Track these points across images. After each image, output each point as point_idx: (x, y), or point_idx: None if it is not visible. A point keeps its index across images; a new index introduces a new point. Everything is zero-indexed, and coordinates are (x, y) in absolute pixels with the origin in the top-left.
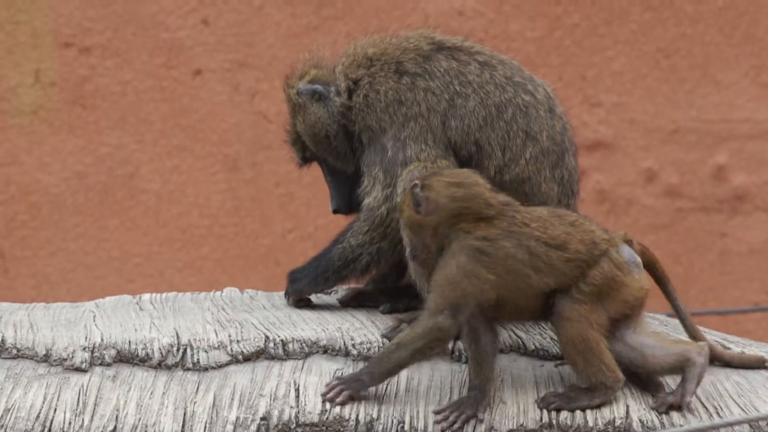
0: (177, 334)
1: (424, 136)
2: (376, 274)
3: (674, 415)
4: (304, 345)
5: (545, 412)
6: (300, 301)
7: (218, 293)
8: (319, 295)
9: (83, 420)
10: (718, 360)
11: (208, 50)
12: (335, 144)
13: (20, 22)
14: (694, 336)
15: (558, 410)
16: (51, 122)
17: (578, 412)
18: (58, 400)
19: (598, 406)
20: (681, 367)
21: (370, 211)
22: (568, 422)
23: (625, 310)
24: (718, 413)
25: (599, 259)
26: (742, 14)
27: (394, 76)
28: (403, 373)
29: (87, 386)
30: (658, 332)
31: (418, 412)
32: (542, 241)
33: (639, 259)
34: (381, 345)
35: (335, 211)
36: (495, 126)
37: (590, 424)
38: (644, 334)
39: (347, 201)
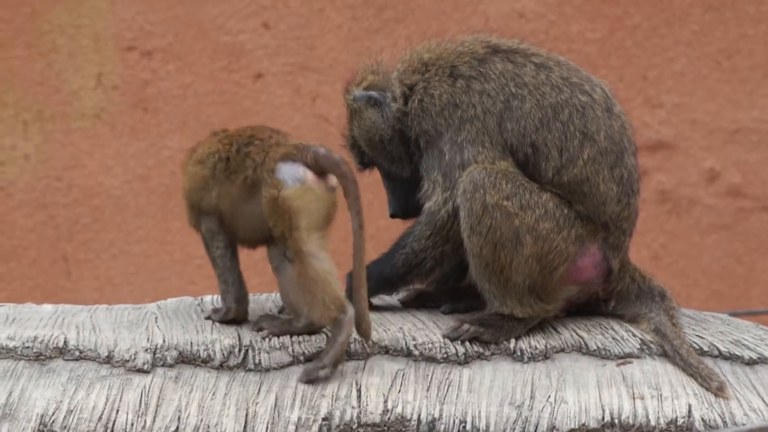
0: (239, 335)
1: (481, 139)
2: (438, 274)
3: (737, 413)
4: (365, 345)
5: (607, 410)
6: None
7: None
8: (380, 295)
9: (145, 421)
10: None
11: (269, 54)
12: (390, 149)
13: (82, 26)
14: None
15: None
16: (113, 125)
17: (640, 411)
18: (120, 401)
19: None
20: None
21: (431, 215)
22: (630, 421)
23: (319, 223)
24: None
25: (259, 184)
26: None
27: (448, 80)
28: (465, 373)
29: (149, 387)
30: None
31: (479, 411)
32: (219, 156)
33: (303, 173)
34: (443, 345)
35: (392, 216)
36: (551, 127)
37: (652, 423)
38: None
39: (404, 205)
